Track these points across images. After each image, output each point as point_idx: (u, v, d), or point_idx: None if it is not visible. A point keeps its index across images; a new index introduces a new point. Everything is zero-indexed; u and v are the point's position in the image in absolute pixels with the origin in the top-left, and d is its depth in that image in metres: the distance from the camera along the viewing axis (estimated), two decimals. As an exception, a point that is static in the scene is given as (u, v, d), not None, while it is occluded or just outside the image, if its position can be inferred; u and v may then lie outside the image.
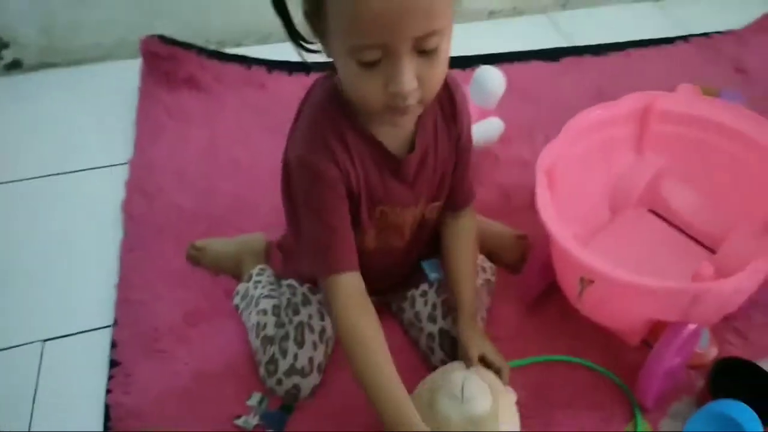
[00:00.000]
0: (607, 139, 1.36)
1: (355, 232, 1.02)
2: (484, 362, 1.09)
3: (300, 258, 1.22)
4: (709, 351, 1.22)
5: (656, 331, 1.12)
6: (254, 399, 1.15)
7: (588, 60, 2.07)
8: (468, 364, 1.08)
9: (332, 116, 0.98)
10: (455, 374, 1.00)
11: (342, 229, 1.00)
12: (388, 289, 1.25)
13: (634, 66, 2.03)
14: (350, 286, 1.00)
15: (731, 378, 1.12)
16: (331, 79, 1.00)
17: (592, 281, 1.09)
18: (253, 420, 1.11)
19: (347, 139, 0.98)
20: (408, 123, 0.99)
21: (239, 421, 1.11)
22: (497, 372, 1.07)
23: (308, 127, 0.99)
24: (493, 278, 1.34)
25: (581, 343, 1.24)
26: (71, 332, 1.31)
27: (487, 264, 1.35)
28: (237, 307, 1.31)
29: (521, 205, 1.54)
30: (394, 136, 1.02)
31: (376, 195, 1.04)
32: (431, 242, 1.23)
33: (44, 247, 1.48)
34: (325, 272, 1.00)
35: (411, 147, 1.03)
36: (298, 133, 1.01)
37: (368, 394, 0.95)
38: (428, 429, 0.92)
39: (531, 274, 1.31)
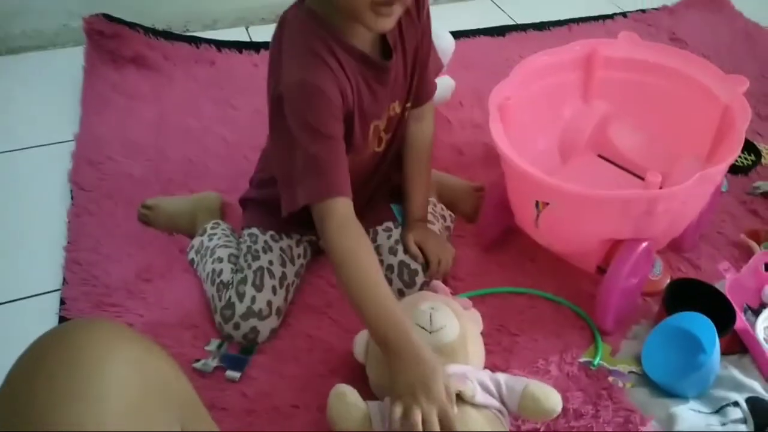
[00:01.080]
0: (555, 85, 1.39)
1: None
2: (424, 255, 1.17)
3: (271, 201, 1.18)
4: (662, 279, 1.25)
5: (610, 256, 1.14)
6: (213, 344, 1.12)
7: (532, 34, 2.13)
8: (410, 254, 1.17)
9: (319, 36, 1.00)
10: (423, 303, 1.00)
11: (338, 153, 1.01)
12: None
13: (576, 38, 2.08)
14: (345, 210, 1.00)
15: (685, 298, 1.14)
16: (302, 7, 1.02)
17: (547, 203, 1.11)
18: (213, 362, 1.08)
19: (337, 55, 1.00)
20: (389, 25, 0.98)
21: (198, 365, 1.08)
22: (436, 262, 1.17)
23: (300, 52, 1.00)
24: (452, 225, 1.36)
25: (540, 278, 1.25)
26: (20, 297, 1.26)
27: (447, 212, 1.37)
28: (192, 261, 1.28)
29: (474, 160, 1.57)
30: (370, 43, 1.05)
31: (368, 109, 1.06)
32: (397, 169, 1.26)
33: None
34: (319, 196, 0.99)
35: (383, 50, 1.07)
36: (290, 62, 1.01)
37: (367, 317, 0.93)
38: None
39: (486, 217, 1.33)
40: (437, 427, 0.82)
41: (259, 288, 1.12)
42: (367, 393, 0.97)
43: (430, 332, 0.95)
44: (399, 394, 0.86)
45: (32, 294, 1.27)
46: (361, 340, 1.03)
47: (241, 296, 1.11)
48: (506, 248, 1.33)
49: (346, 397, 0.90)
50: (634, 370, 1.06)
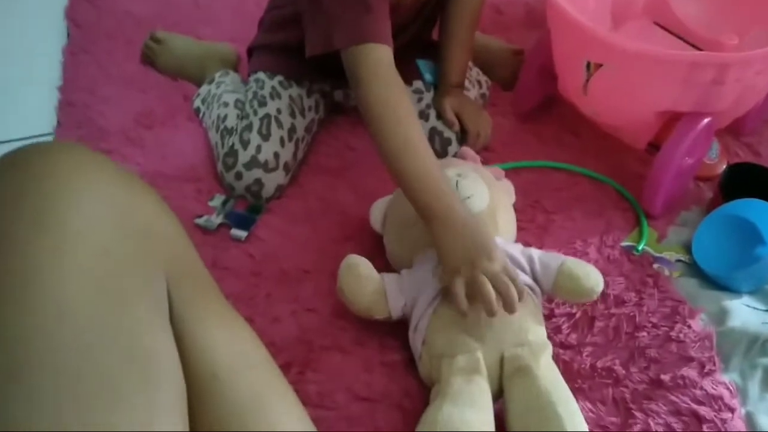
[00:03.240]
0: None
1: None
2: (461, 124, 1.06)
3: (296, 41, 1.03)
4: (718, 163, 1.12)
5: (665, 133, 1.01)
6: (217, 200, 1.02)
7: None
8: (445, 121, 1.05)
9: None
10: (449, 170, 0.88)
11: None
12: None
13: None
14: (386, 59, 0.86)
15: (743, 185, 1.02)
16: None
17: (600, 65, 0.96)
18: (216, 219, 0.98)
19: None
20: None
21: (200, 221, 0.98)
22: (475, 134, 1.05)
23: None
24: (488, 92, 1.22)
25: (582, 154, 1.12)
26: (11, 138, 1.15)
27: (483, 77, 1.23)
28: (198, 110, 1.16)
29: (514, 20, 1.41)
30: None
31: None
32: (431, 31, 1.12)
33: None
34: (361, 38, 0.85)
35: None
36: None
37: (407, 182, 0.80)
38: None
39: (525, 83, 1.18)
40: (510, 287, 0.72)
41: (265, 137, 1.01)
42: (383, 264, 0.88)
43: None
44: (454, 267, 0.75)
45: (24, 137, 1.16)
46: (378, 208, 0.92)
47: (245, 144, 1.00)
48: (545, 119, 1.19)
49: (359, 269, 0.80)
50: (681, 258, 0.96)
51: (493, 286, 0.72)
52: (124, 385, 0.43)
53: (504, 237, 0.86)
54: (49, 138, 1.13)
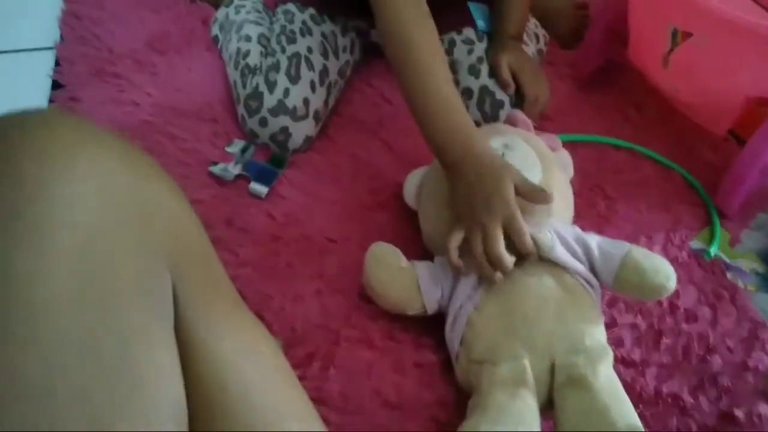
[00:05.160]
0: None
1: None
2: (517, 86, 0.92)
3: None
4: (797, 158, 1.00)
5: (749, 119, 0.88)
6: (236, 146, 0.89)
7: None
8: (500, 81, 0.91)
9: None
10: (494, 139, 0.75)
11: None
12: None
13: None
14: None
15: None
16: None
17: (689, 34, 0.83)
18: (234, 169, 0.86)
19: None
20: None
21: (216, 168, 0.86)
22: (533, 99, 0.91)
23: None
24: (545, 48, 1.08)
25: (647, 133, 1.00)
26: (8, 49, 1.02)
27: (540, 31, 1.09)
28: (216, 38, 1.02)
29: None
30: None
31: None
32: None
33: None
34: None
35: None
36: None
37: (423, 122, 0.72)
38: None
39: (591, 44, 1.04)
40: (499, 245, 0.64)
41: (294, 79, 0.88)
42: (417, 248, 0.77)
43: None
44: (458, 218, 0.69)
45: (23, 48, 1.02)
46: (413, 181, 0.81)
47: (271, 86, 0.87)
48: (608, 87, 1.06)
49: (387, 260, 0.69)
50: (758, 269, 0.84)
51: (484, 241, 0.65)
52: (106, 410, 0.34)
53: (560, 220, 0.75)
54: (49, 53, 0.99)
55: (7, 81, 0.97)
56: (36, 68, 0.97)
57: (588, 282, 0.68)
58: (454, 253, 0.67)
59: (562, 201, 0.77)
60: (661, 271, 0.67)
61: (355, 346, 0.69)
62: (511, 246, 0.65)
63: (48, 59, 0.99)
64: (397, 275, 0.69)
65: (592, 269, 0.69)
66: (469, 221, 0.67)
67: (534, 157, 0.75)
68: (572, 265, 0.67)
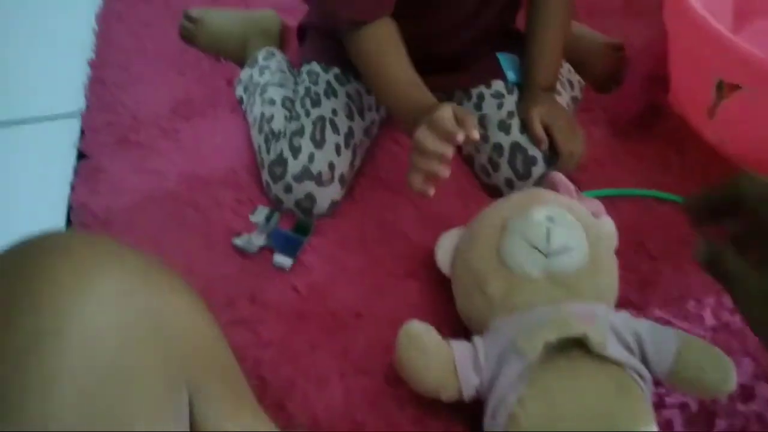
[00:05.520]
0: None
1: None
2: (550, 141, 0.87)
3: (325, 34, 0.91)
4: None
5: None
6: (260, 214, 0.87)
7: None
8: (532, 136, 0.87)
9: None
10: (536, 211, 0.70)
11: None
12: (446, 75, 0.94)
13: None
14: (382, 32, 0.80)
15: None
16: None
17: (736, 86, 0.78)
18: (258, 240, 0.84)
19: None
20: None
21: (239, 241, 0.84)
22: (568, 156, 0.87)
23: None
24: (580, 95, 1.03)
25: (692, 181, 0.94)
26: (33, 116, 1.02)
27: (575, 77, 1.04)
28: (240, 99, 1.01)
29: (612, 7, 1.19)
30: None
31: None
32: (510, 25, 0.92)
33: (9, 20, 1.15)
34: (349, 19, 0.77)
35: None
36: None
37: (379, 93, 0.83)
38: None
39: (630, 88, 1.00)
40: (429, 143, 0.71)
41: (319, 143, 0.85)
42: (451, 322, 0.73)
43: (547, 255, 0.67)
44: None
45: (48, 115, 1.03)
46: (446, 246, 0.77)
47: (295, 151, 0.85)
48: (647, 133, 1.01)
49: (422, 341, 0.65)
50: (818, 332, 0.78)
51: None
52: None
53: (606, 300, 0.70)
54: (74, 121, 1.00)
55: (35, 150, 0.98)
56: (61, 137, 0.98)
57: (641, 376, 0.63)
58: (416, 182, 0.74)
59: (609, 278, 0.72)
60: (721, 367, 0.63)
61: (382, 438, 0.65)
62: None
63: (74, 127, 0.99)
64: (432, 358, 0.65)
65: (644, 360, 0.65)
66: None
67: (580, 233, 0.70)
68: (624, 359, 0.62)
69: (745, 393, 0.70)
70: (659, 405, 0.69)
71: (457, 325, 0.74)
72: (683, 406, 0.69)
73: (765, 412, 0.69)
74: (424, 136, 0.72)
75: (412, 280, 0.81)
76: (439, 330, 0.67)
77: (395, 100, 0.80)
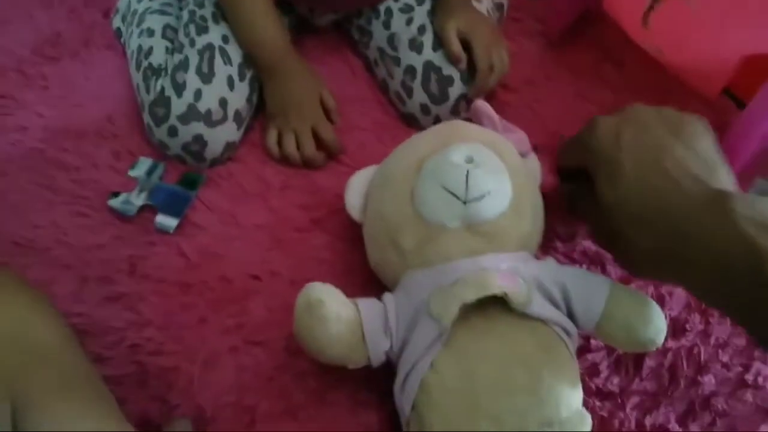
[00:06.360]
0: None
1: None
2: (470, 56, 0.77)
3: None
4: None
5: (745, 77, 0.74)
6: (141, 167, 0.76)
7: None
8: (448, 53, 0.77)
9: None
10: (454, 151, 0.60)
11: None
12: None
13: None
14: None
15: None
16: None
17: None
18: (137, 200, 0.73)
19: None
20: None
21: (115, 202, 0.73)
22: (487, 71, 0.77)
23: None
24: (505, 1, 0.91)
25: (630, 94, 0.84)
26: None
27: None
28: (118, 33, 0.88)
29: None
30: None
31: None
32: None
33: None
34: None
35: None
36: None
37: (238, 32, 0.78)
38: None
39: (562, -5, 0.88)
40: (311, 148, 0.76)
41: (207, 77, 0.74)
42: (362, 276, 0.65)
43: (465, 202, 0.58)
44: (271, 118, 0.78)
45: None
46: (356, 188, 0.67)
47: (179, 88, 0.73)
48: (584, 44, 0.90)
49: (324, 309, 0.55)
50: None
51: (298, 144, 0.76)
52: None
53: (530, 247, 0.62)
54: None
55: None
56: None
57: (565, 330, 0.56)
58: (273, 149, 0.77)
59: (535, 224, 0.63)
60: (652, 324, 0.57)
61: (276, 421, 0.58)
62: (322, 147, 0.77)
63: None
64: (336, 326, 0.55)
65: (570, 313, 0.57)
66: (282, 121, 0.77)
67: (503, 172, 0.60)
68: (549, 316, 0.55)
69: (676, 327, 0.65)
70: (584, 350, 0.63)
71: (370, 280, 0.65)
72: (610, 349, 0.63)
73: (695, 346, 0.63)
74: (271, 144, 0.78)
75: (319, 232, 0.72)
76: (350, 287, 0.58)
77: (250, 32, 0.77)
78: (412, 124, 0.81)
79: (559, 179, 0.66)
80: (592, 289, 0.57)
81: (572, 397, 0.54)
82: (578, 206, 0.62)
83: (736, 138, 0.72)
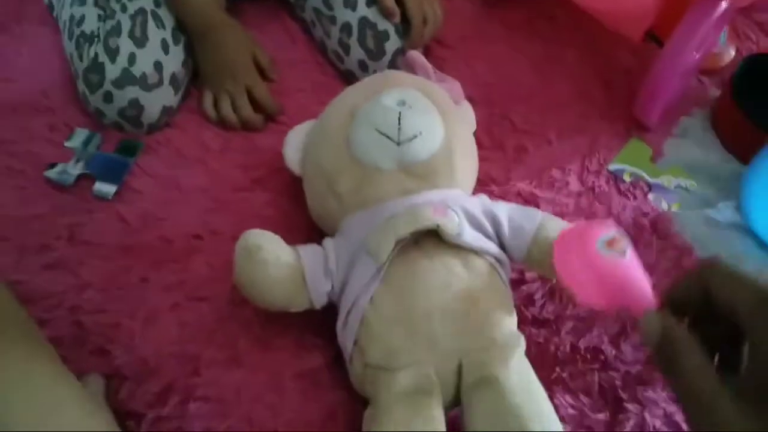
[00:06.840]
0: None
1: None
2: (403, 10, 0.79)
3: None
4: (726, 51, 0.89)
5: (666, 20, 0.76)
6: (77, 138, 0.76)
7: None
8: (381, 8, 0.79)
9: None
10: (387, 95, 0.62)
11: None
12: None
13: None
14: None
15: (759, 79, 0.79)
16: None
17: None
18: (74, 169, 0.73)
19: None
20: None
21: (52, 173, 0.73)
22: (420, 24, 0.79)
23: None
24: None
25: (560, 46, 0.87)
26: None
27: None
28: (50, 5, 0.87)
29: None
30: None
31: None
32: None
33: None
34: None
35: None
36: None
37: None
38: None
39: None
40: (247, 109, 0.77)
41: (140, 41, 0.75)
42: (305, 228, 0.66)
43: (398, 143, 0.60)
44: (206, 82, 0.79)
45: None
46: (295, 140, 0.68)
47: (112, 53, 0.73)
48: (515, 1, 0.93)
49: (262, 254, 0.57)
50: (682, 183, 0.74)
51: (234, 108, 0.77)
52: None
53: (462, 187, 0.64)
54: None
55: None
56: None
57: (498, 260, 0.58)
58: (210, 112, 0.78)
59: (468, 164, 0.65)
60: None
61: (220, 368, 0.58)
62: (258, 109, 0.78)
63: None
64: (276, 270, 0.57)
65: (502, 245, 0.60)
66: (217, 86, 0.78)
67: (435, 115, 0.62)
68: (481, 246, 0.57)
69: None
70: (519, 281, 0.65)
71: (312, 233, 0.66)
72: (544, 280, 0.65)
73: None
74: (207, 107, 0.78)
75: (260, 191, 0.73)
76: (293, 242, 0.59)
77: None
78: (352, 81, 0.82)
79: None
80: (522, 221, 0.60)
81: (506, 321, 0.56)
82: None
83: (657, 78, 0.75)
